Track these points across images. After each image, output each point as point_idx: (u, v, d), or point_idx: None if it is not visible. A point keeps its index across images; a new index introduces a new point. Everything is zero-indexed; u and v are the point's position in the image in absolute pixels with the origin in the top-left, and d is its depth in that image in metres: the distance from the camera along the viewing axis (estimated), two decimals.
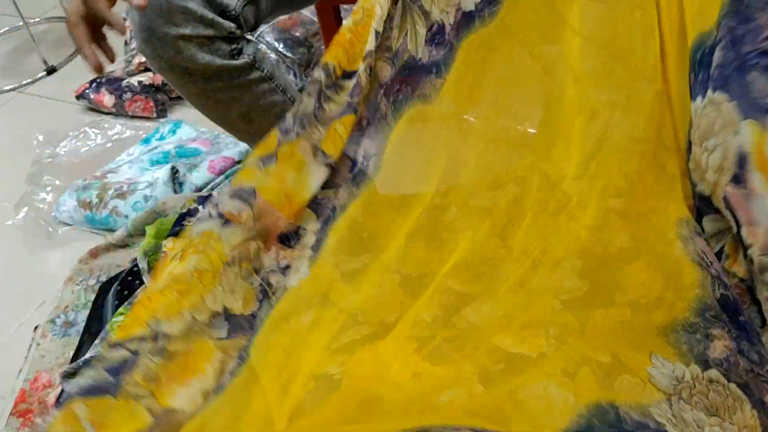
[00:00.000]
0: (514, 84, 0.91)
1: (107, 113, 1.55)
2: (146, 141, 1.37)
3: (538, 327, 0.55)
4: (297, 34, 1.44)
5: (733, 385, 0.61)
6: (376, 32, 0.81)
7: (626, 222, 0.81)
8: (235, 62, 0.81)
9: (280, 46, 1.42)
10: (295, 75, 1.43)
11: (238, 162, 1.26)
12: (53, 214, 1.21)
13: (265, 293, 0.78)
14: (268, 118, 0.89)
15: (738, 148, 0.58)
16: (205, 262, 0.75)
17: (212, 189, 1.19)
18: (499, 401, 0.49)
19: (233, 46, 0.80)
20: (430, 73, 0.84)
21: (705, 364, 0.64)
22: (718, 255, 0.69)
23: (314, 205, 0.84)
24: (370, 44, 0.80)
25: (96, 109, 1.56)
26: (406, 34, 0.84)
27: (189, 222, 1.04)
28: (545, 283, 0.85)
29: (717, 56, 0.63)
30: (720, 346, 0.66)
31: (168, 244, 1.02)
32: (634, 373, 0.56)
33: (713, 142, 0.61)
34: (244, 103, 0.86)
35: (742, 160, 0.58)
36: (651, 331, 0.72)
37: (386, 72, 0.86)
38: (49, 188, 1.28)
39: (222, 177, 1.21)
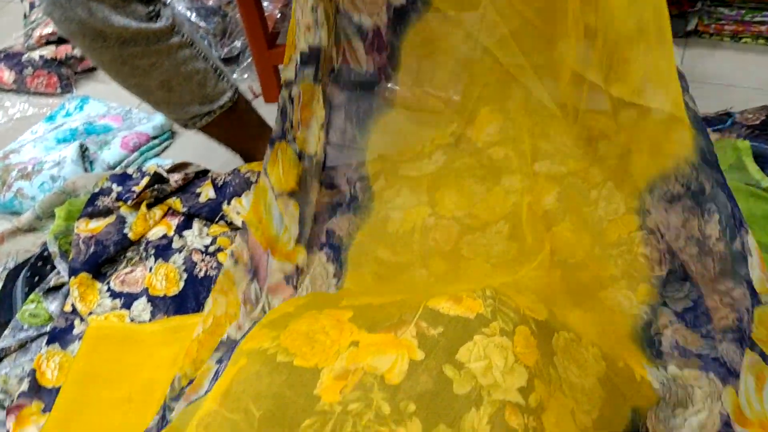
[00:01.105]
0: (438, 52, 0.91)
1: (8, 90, 1.45)
2: (51, 118, 1.28)
3: (475, 289, 0.55)
4: (210, 2, 1.37)
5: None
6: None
7: (551, 183, 0.82)
8: (153, 26, 0.76)
9: (193, 16, 1.35)
10: (210, 45, 1.37)
11: (154, 138, 1.20)
12: None
13: None
14: (189, 86, 0.85)
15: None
16: (229, 306, 0.78)
17: (126, 167, 1.13)
18: (439, 365, 0.48)
19: (150, 8, 0.75)
20: (380, 80, 0.84)
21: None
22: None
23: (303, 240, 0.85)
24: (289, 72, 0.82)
25: None
26: (344, 52, 0.83)
27: (102, 201, 0.99)
28: (475, 248, 0.85)
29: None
30: (668, 334, 0.67)
31: (80, 225, 0.97)
32: (570, 328, 0.57)
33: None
34: (164, 71, 0.81)
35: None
36: (581, 287, 0.73)
37: (337, 94, 0.85)
38: None
39: (137, 154, 1.15)
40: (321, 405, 0.46)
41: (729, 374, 0.63)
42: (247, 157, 1.01)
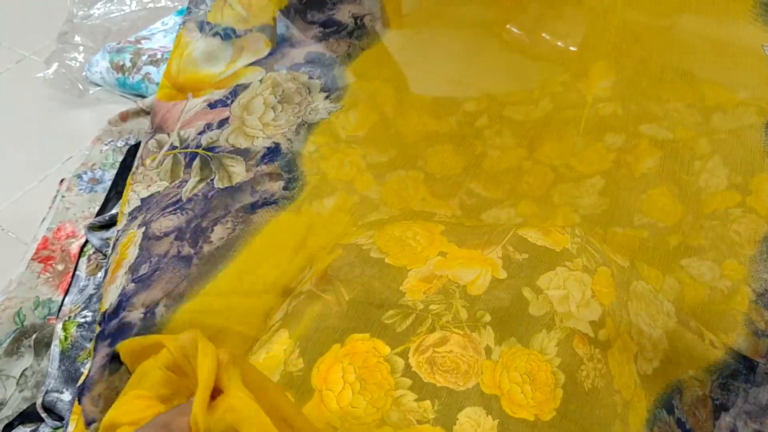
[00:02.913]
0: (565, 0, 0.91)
1: None
2: (181, 12, 1.35)
3: (565, 225, 0.57)
4: None
5: None
6: None
7: (655, 148, 0.82)
8: None
9: None
10: None
11: None
12: (84, 73, 1.21)
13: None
14: None
15: None
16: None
17: None
18: (519, 286, 0.51)
19: None
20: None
21: None
22: None
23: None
24: None
25: None
26: None
27: None
28: (566, 198, 0.87)
29: None
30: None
31: None
32: (648, 281, 0.59)
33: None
34: None
35: None
36: (666, 251, 0.74)
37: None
38: (81, 47, 1.27)
39: None
40: (405, 300, 0.50)
41: None
42: None
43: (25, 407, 0.75)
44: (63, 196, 0.99)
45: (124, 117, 1.11)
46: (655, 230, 0.78)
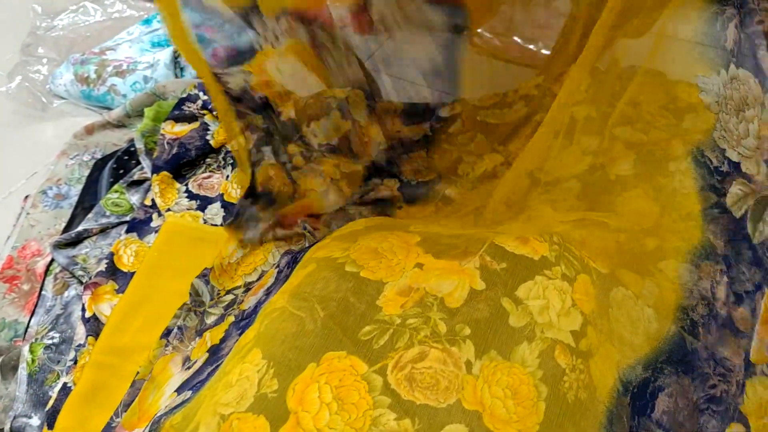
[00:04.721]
0: (535, 2, 0.90)
1: None
2: (147, 22, 1.32)
3: (542, 233, 0.56)
4: None
5: None
6: None
7: (629, 150, 0.81)
8: None
9: None
10: None
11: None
12: (48, 86, 1.18)
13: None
14: None
15: None
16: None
17: None
18: (498, 297, 0.50)
19: None
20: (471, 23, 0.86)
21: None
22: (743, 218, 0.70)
23: None
24: None
25: None
26: None
27: (188, 107, 1.03)
28: (542, 202, 0.86)
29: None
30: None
31: (166, 127, 1.01)
32: (628, 287, 0.58)
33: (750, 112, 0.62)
34: None
35: None
36: (643, 254, 0.74)
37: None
38: (44, 60, 1.24)
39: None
40: (382, 315, 0.49)
41: None
42: None
43: None
44: (28, 213, 0.96)
45: (90, 130, 1.08)
46: (631, 233, 0.77)
